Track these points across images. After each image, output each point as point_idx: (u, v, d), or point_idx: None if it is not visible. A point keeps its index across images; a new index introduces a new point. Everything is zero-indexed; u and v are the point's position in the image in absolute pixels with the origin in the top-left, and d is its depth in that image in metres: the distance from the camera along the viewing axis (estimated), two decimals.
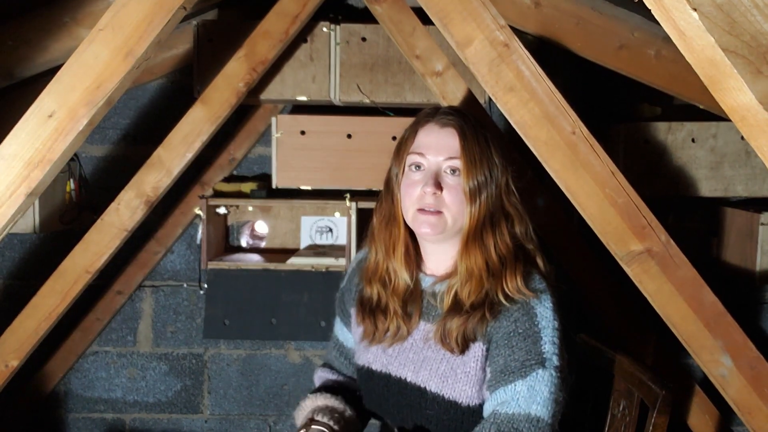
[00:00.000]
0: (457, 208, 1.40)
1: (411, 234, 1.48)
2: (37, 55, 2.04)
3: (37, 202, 2.29)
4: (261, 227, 2.76)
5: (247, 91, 2.17)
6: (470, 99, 2.15)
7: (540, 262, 1.45)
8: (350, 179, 2.44)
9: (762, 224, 2.34)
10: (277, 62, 2.33)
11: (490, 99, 1.95)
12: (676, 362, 2.36)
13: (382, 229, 1.49)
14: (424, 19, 1.89)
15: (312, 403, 1.52)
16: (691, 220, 2.69)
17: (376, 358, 1.49)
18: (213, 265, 2.52)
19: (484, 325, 1.37)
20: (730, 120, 0.84)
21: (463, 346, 1.38)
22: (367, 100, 2.42)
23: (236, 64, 2.14)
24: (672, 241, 1.55)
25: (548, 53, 2.32)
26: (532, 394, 1.31)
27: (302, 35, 2.36)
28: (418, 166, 1.43)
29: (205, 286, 2.71)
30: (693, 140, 2.38)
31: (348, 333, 1.63)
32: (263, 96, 2.43)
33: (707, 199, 2.47)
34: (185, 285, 2.82)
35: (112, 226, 2.07)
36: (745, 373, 1.59)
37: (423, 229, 1.41)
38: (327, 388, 1.59)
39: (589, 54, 2.28)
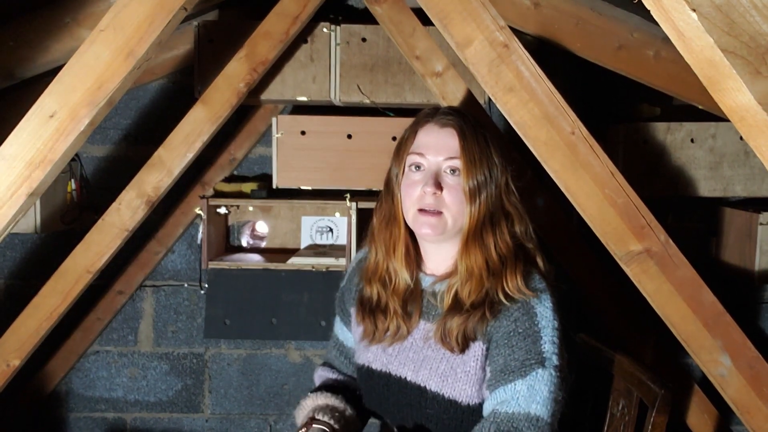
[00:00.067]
0: (457, 208, 1.40)
1: (411, 234, 1.48)
2: (38, 55, 2.04)
3: (38, 202, 2.29)
4: (261, 227, 2.76)
5: (247, 91, 2.18)
6: (470, 99, 2.16)
7: (540, 261, 1.46)
8: (350, 179, 2.44)
9: (761, 224, 2.34)
10: (277, 63, 2.33)
11: (489, 99, 1.96)
12: (675, 362, 2.36)
13: (382, 229, 1.50)
14: (424, 19, 1.90)
15: (312, 402, 1.53)
16: (690, 220, 2.69)
17: (376, 357, 1.50)
18: (214, 264, 2.52)
19: (484, 324, 1.37)
20: (729, 120, 0.85)
21: (463, 346, 1.38)
22: (367, 101, 2.43)
23: (237, 64, 2.14)
24: (671, 241, 1.55)
25: (548, 54, 2.32)
26: (532, 393, 1.31)
27: (302, 36, 2.36)
28: (418, 167, 1.43)
29: (206, 285, 2.71)
30: (692, 140, 2.38)
31: (348, 332, 1.63)
32: (264, 96, 2.43)
33: (706, 199, 2.47)
34: (186, 285, 2.82)
35: (113, 226, 2.07)
36: (744, 373, 1.60)
37: (423, 230, 1.42)
38: (327, 387, 1.60)
39: (589, 54, 2.28)
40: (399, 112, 2.45)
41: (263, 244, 2.77)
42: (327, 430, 1.43)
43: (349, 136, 2.42)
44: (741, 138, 2.34)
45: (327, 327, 2.52)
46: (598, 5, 2.23)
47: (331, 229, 2.69)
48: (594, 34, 2.24)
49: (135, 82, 1.74)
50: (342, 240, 2.65)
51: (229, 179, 2.72)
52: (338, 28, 2.41)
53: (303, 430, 1.44)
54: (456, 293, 1.41)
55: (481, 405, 1.39)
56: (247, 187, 2.58)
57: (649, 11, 0.81)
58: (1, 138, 1.41)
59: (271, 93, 2.43)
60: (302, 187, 2.48)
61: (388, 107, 2.46)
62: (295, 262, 2.49)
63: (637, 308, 2.10)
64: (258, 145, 2.77)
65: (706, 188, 2.40)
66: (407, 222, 1.45)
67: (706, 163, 2.39)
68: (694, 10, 0.72)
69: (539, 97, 1.49)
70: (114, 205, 2.09)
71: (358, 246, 2.36)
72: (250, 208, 2.74)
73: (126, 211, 2.08)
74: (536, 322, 1.35)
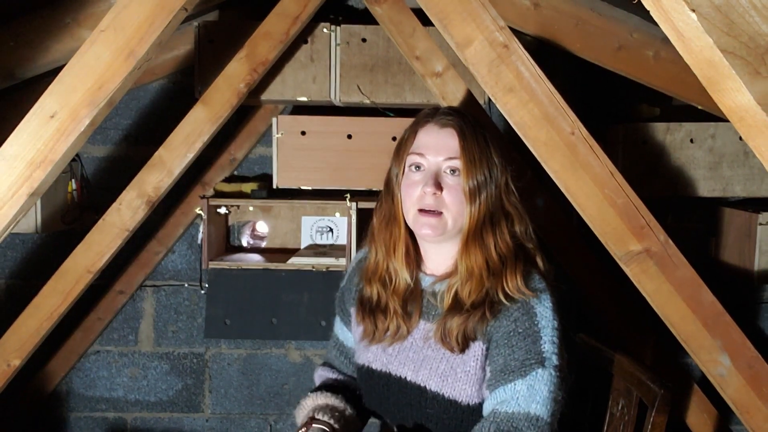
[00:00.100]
0: (457, 208, 1.40)
1: (411, 234, 1.48)
2: (38, 55, 2.05)
3: (38, 203, 2.29)
4: (262, 227, 2.77)
5: (247, 91, 2.18)
6: (470, 100, 2.16)
7: (539, 261, 1.46)
8: (350, 179, 2.44)
9: (760, 224, 2.34)
10: (277, 63, 2.33)
11: (489, 100, 1.96)
12: (675, 362, 2.37)
13: (382, 229, 1.50)
14: (424, 20, 1.90)
15: (312, 401, 1.53)
16: (690, 220, 2.70)
17: (376, 357, 1.50)
18: (214, 264, 2.53)
19: (484, 324, 1.37)
20: (728, 120, 0.85)
21: (463, 345, 1.38)
22: (368, 101, 2.43)
23: (237, 64, 2.14)
24: (671, 241, 1.55)
25: (548, 54, 2.32)
26: (532, 393, 1.31)
27: (303, 36, 2.37)
28: (418, 167, 1.44)
29: (206, 285, 2.71)
30: (691, 141, 2.39)
31: (348, 332, 1.63)
32: (264, 97, 2.43)
33: (706, 199, 2.48)
34: (186, 285, 2.82)
35: (113, 226, 2.07)
36: (744, 373, 1.60)
37: (423, 230, 1.42)
38: (327, 387, 1.60)
39: (588, 55, 2.28)
40: (399, 112, 2.45)
41: (263, 244, 2.77)
42: (327, 429, 1.43)
43: (349, 136, 2.42)
44: (740, 138, 2.34)
45: (327, 327, 2.52)
46: (598, 5, 2.23)
47: (331, 229, 2.69)
48: (594, 34, 2.24)
49: (135, 83, 1.75)
50: (342, 240, 2.65)
51: (230, 179, 2.72)
52: (338, 28, 2.41)
53: (303, 429, 1.44)
54: (456, 293, 1.41)
55: (481, 405, 1.39)
56: (248, 187, 2.58)
57: (648, 11, 0.81)
58: (2, 138, 1.42)
59: (271, 93, 2.44)
60: (302, 187, 2.48)
61: (388, 107, 2.47)
62: (295, 262, 2.49)
63: (637, 308, 2.10)
64: (258, 145, 2.77)
65: (706, 188, 2.41)
66: (407, 222, 1.46)
67: (705, 164, 2.39)
68: (693, 11, 0.73)
69: (539, 98, 1.49)
70: (114, 205, 2.09)
71: (358, 246, 2.36)
72: (251, 208, 2.75)
73: (126, 211, 2.08)
74: (536, 322, 1.35)
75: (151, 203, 2.10)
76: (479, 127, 1.45)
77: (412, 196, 1.42)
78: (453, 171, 1.41)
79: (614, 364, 1.69)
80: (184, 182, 2.52)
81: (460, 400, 1.39)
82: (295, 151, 2.43)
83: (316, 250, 2.60)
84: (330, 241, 2.68)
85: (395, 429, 1.51)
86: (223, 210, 2.65)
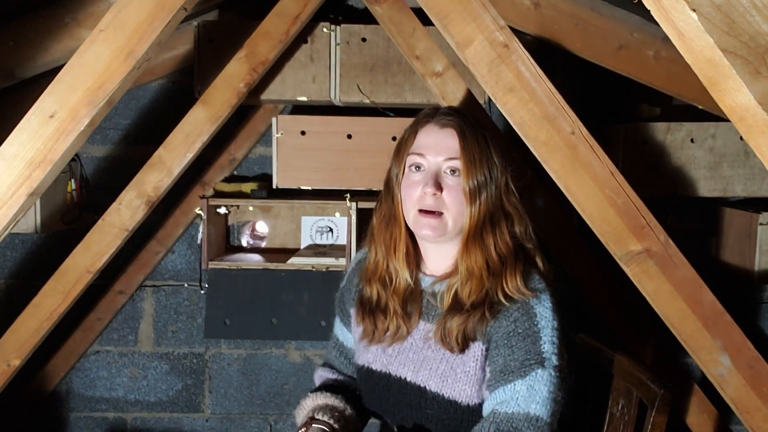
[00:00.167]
0: (457, 208, 1.40)
1: (411, 234, 1.48)
2: (38, 55, 2.05)
3: (38, 202, 2.29)
4: (261, 227, 2.77)
5: (247, 91, 2.18)
6: (470, 99, 2.16)
7: (539, 261, 1.46)
8: (350, 179, 2.44)
9: (761, 224, 2.34)
10: (277, 63, 2.33)
11: (489, 99, 1.96)
12: (675, 362, 2.37)
13: (382, 229, 1.50)
14: (424, 19, 1.90)
15: (312, 402, 1.53)
16: (690, 220, 2.69)
17: (376, 357, 1.50)
18: (214, 264, 2.53)
19: (484, 324, 1.37)
20: (729, 120, 0.85)
21: (463, 345, 1.38)
22: (367, 101, 2.43)
23: (237, 64, 2.14)
24: (671, 241, 1.55)
25: (548, 54, 2.32)
26: (532, 393, 1.31)
27: (302, 36, 2.36)
28: (418, 167, 1.44)
29: (206, 285, 2.71)
30: (692, 140, 2.39)
31: (348, 333, 1.63)
32: (264, 96, 2.43)
33: (706, 199, 2.47)
34: (186, 285, 2.82)
35: (113, 226, 2.07)
36: (744, 373, 1.60)
37: (424, 231, 1.42)
38: (327, 387, 1.60)
39: (589, 54, 2.28)
40: (399, 112, 2.45)
41: (263, 244, 2.77)
42: (327, 429, 1.43)
43: (349, 136, 2.42)
44: (741, 138, 2.34)
45: (327, 327, 2.52)
46: (598, 5, 2.23)
47: (331, 229, 2.69)
48: (594, 34, 2.24)
49: (135, 82, 1.75)
50: (342, 240, 2.65)
51: (229, 179, 2.72)
52: (338, 28, 2.41)
53: (303, 429, 1.44)
54: (456, 293, 1.41)
55: (480, 405, 1.39)
56: (247, 187, 2.58)
57: (649, 11, 0.81)
58: (2, 138, 1.41)
59: (271, 93, 2.43)
60: (302, 187, 2.48)
61: (388, 107, 2.47)
62: (295, 262, 2.49)
63: (637, 308, 2.10)
64: (258, 145, 2.77)
65: (706, 188, 2.41)
66: (407, 222, 1.45)
67: (705, 163, 2.39)
68: (694, 10, 0.73)
69: (539, 97, 1.49)
70: (114, 205, 2.09)
71: (358, 246, 2.36)
72: (250, 208, 2.75)
73: (126, 211, 2.08)
74: (536, 323, 1.35)
75: (151, 203, 2.10)
76: (479, 127, 1.45)
77: (413, 196, 1.42)
78: (453, 171, 1.41)
79: (614, 364, 1.69)
80: (183, 182, 2.52)
81: (459, 401, 1.39)
82: (295, 151, 2.43)
83: (316, 250, 2.60)
84: (330, 241, 2.68)
85: (395, 429, 1.51)
86: (222, 210, 2.65)
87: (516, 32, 1.53)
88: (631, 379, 1.61)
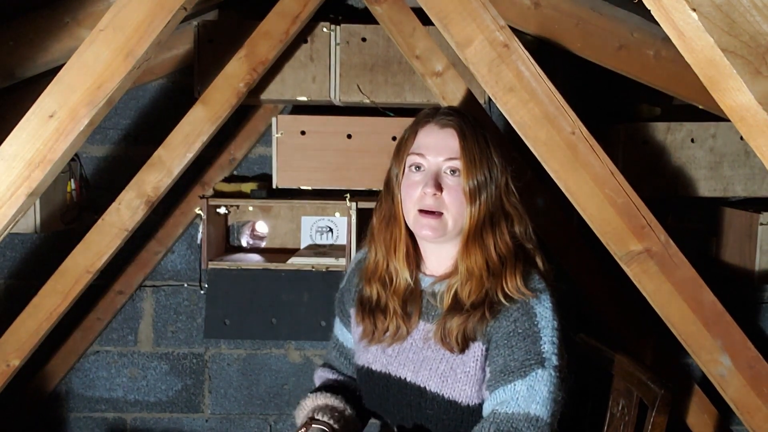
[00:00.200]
0: (457, 209, 1.40)
1: (411, 234, 1.48)
2: (38, 55, 2.05)
3: (38, 202, 2.29)
4: (261, 227, 2.77)
5: (247, 91, 2.18)
6: (470, 99, 2.16)
7: (539, 261, 1.46)
8: (350, 179, 2.44)
9: (761, 224, 2.34)
10: (277, 62, 2.33)
11: (489, 99, 1.96)
12: (675, 362, 2.36)
13: (382, 229, 1.50)
14: (424, 19, 1.90)
15: (312, 402, 1.53)
16: (691, 220, 2.69)
17: (376, 358, 1.50)
18: (213, 264, 2.52)
19: (484, 324, 1.37)
20: (729, 120, 0.85)
21: (463, 345, 1.38)
22: (367, 101, 2.43)
23: (237, 64, 2.14)
24: (671, 241, 1.55)
25: (548, 54, 2.32)
26: (532, 393, 1.31)
27: (302, 35, 2.36)
28: (418, 167, 1.43)
29: (206, 285, 2.71)
30: (692, 140, 2.38)
31: (347, 333, 1.63)
32: (263, 96, 2.43)
33: (706, 199, 2.47)
34: (186, 285, 2.82)
35: (112, 226, 2.07)
36: (744, 373, 1.60)
37: (424, 231, 1.42)
38: (327, 387, 1.60)
39: (589, 54, 2.28)
40: (399, 112, 2.45)
41: (263, 244, 2.77)
42: (326, 430, 1.43)
43: (349, 136, 2.42)
44: (741, 138, 2.34)
45: (327, 327, 2.52)
46: (598, 5, 2.23)
47: (331, 229, 2.69)
48: (594, 34, 2.24)
49: (135, 82, 1.75)
50: (342, 240, 2.65)
51: (229, 179, 2.72)
52: (338, 27, 2.41)
53: (303, 430, 1.44)
54: (456, 293, 1.41)
55: (480, 405, 1.39)
56: (247, 187, 2.58)
57: (649, 11, 0.81)
58: (1, 138, 1.41)
59: (271, 93, 2.43)
60: (302, 187, 2.48)
61: (388, 107, 2.46)
62: (295, 262, 2.49)
63: (637, 308, 2.10)
64: (258, 145, 2.77)
65: (706, 188, 2.40)
66: (408, 223, 1.45)
67: (706, 163, 2.39)
68: (694, 10, 0.73)
69: (539, 97, 1.49)
70: (114, 205, 2.09)
71: (358, 246, 2.36)
72: (250, 208, 2.74)
73: (126, 211, 2.08)
74: (536, 323, 1.35)
75: (151, 203, 2.10)
76: (479, 127, 1.45)
77: (413, 196, 1.42)
78: (453, 171, 1.41)
79: (614, 364, 1.69)
80: (183, 182, 2.52)
81: (459, 401, 1.39)
82: (295, 151, 2.42)
83: (315, 250, 2.60)
84: (330, 241, 2.68)
85: (395, 429, 1.51)
86: (222, 210, 2.65)
87: (516, 32, 1.53)
88: (631, 379, 1.61)
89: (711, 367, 1.61)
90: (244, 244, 2.75)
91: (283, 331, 2.68)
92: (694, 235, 2.67)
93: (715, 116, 2.34)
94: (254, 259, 2.60)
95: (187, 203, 2.71)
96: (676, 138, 2.39)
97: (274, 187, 2.46)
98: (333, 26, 2.41)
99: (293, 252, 2.58)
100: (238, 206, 2.71)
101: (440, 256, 1.47)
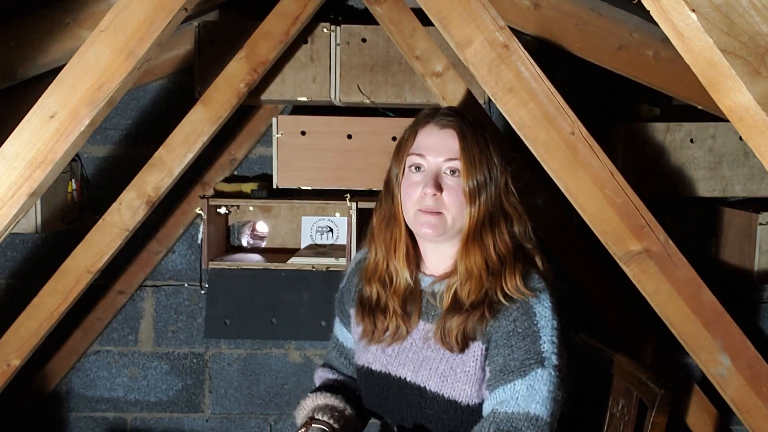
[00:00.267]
0: (457, 209, 1.40)
1: (411, 234, 1.48)
2: (38, 56, 2.05)
3: (38, 203, 2.30)
4: (262, 227, 2.77)
5: (247, 91, 2.18)
6: (470, 99, 2.16)
7: (539, 261, 1.46)
8: (350, 179, 2.44)
9: (760, 224, 2.34)
10: (277, 63, 2.33)
11: (489, 99, 1.96)
12: (675, 362, 2.37)
13: (382, 229, 1.50)
14: (424, 20, 1.90)
15: (312, 402, 1.53)
16: (690, 220, 2.69)
17: (376, 358, 1.50)
18: (214, 264, 2.53)
19: (484, 324, 1.37)
20: (728, 120, 0.85)
21: (463, 345, 1.38)
22: (368, 101, 2.43)
23: (237, 64, 2.14)
24: (671, 241, 1.55)
25: (548, 54, 2.32)
26: (531, 393, 1.31)
27: (303, 36, 2.37)
28: (418, 167, 1.44)
29: (206, 285, 2.71)
30: (691, 140, 2.39)
31: (347, 333, 1.63)
32: (264, 97, 2.43)
33: (706, 199, 2.48)
34: (186, 285, 2.82)
35: (113, 226, 2.08)
36: (744, 373, 1.60)
37: (424, 229, 1.42)
38: (327, 387, 1.60)
39: (589, 55, 2.29)
40: (399, 112, 2.45)
41: (263, 244, 2.77)
42: (326, 429, 1.43)
43: (349, 136, 2.42)
44: (740, 138, 2.34)
45: (327, 327, 2.52)
46: (598, 5, 2.23)
47: (331, 229, 2.69)
48: (594, 34, 2.24)
49: (135, 83, 1.75)
50: (342, 240, 2.66)
51: (230, 179, 2.72)
52: (338, 28, 2.42)
53: (303, 429, 1.44)
54: (455, 293, 1.41)
55: (480, 405, 1.39)
56: (248, 187, 2.58)
57: (649, 11, 0.81)
58: (2, 138, 1.42)
59: (271, 93, 2.44)
60: (302, 187, 2.49)
61: (388, 107, 2.47)
62: (295, 262, 2.49)
63: (637, 308, 2.10)
64: (258, 145, 2.77)
65: (706, 188, 2.41)
66: (407, 222, 1.46)
67: (705, 163, 2.39)
68: (693, 11, 0.73)
69: (539, 98, 1.49)
70: (114, 205, 2.09)
71: (358, 246, 2.36)
72: (251, 208, 2.75)
73: (126, 211, 2.08)
74: (535, 322, 1.35)
75: (151, 203, 2.10)
76: (479, 127, 1.45)
77: (412, 196, 1.43)
78: (453, 172, 1.41)
79: (614, 364, 1.69)
80: (184, 182, 2.52)
81: (459, 401, 1.39)
82: (295, 151, 2.43)
83: (316, 250, 2.60)
84: (330, 241, 2.68)
85: (395, 429, 1.51)
86: (223, 210, 2.65)
87: (516, 32, 1.53)
88: (631, 379, 1.61)
89: (710, 367, 1.61)
90: (244, 244, 2.75)
91: (283, 331, 2.68)
92: (693, 235, 2.68)
93: (715, 116, 2.35)
94: (254, 259, 2.60)
95: (187, 203, 2.72)
96: (675, 138, 2.39)
97: (274, 187, 2.46)
98: (333, 27, 2.42)
99: (293, 252, 2.58)
100: (238, 206, 2.71)
101: (440, 255, 1.47)
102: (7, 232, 1.47)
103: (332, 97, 2.44)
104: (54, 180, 1.50)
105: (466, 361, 1.39)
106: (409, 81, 2.42)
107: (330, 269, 2.49)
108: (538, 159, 1.54)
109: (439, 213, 1.40)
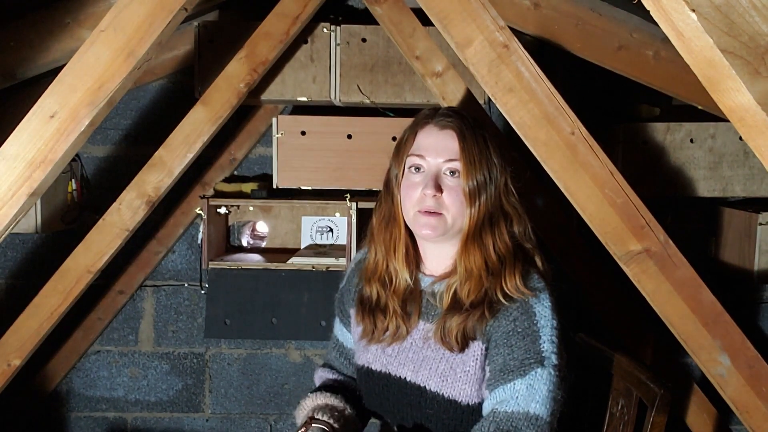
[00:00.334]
0: (457, 209, 1.40)
1: (411, 234, 1.48)
2: (38, 56, 2.05)
3: (39, 203, 2.30)
4: (262, 227, 2.77)
5: (247, 91, 2.18)
6: (470, 99, 2.16)
7: (538, 261, 1.46)
8: (350, 179, 2.44)
9: (760, 224, 2.35)
10: (277, 63, 2.34)
11: (489, 99, 1.96)
12: (675, 361, 2.37)
13: (381, 229, 1.50)
14: (424, 20, 1.90)
15: (312, 401, 1.53)
16: (690, 220, 2.69)
17: (376, 358, 1.50)
18: (214, 264, 2.53)
19: (483, 323, 1.37)
20: (728, 120, 0.85)
21: (463, 344, 1.38)
22: (368, 101, 2.43)
23: (237, 64, 2.14)
24: (670, 241, 1.55)
25: (548, 54, 2.33)
26: (531, 392, 1.31)
27: (303, 36, 2.37)
28: (417, 168, 1.44)
29: (206, 285, 2.71)
30: (691, 140, 2.39)
31: (347, 333, 1.63)
32: (264, 97, 2.44)
33: (706, 199, 2.48)
34: (186, 285, 2.83)
35: (113, 226, 2.08)
36: (743, 373, 1.60)
37: (424, 230, 1.42)
38: (327, 387, 1.60)
39: (589, 55, 2.29)
40: (399, 112, 2.45)
41: (263, 244, 2.77)
42: (326, 429, 1.43)
43: (349, 136, 2.42)
44: (740, 138, 2.34)
45: (327, 327, 2.52)
46: (597, 5, 2.23)
47: (331, 229, 2.69)
48: (594, 34, 2.24)
49: (135, 83, 1.75)
50: (342, 240, 2.66)
51: (230, 179, 2.72)
52: (338, 28, 2.42)
53: (303, 429, 1.44)
54: (455, 293, 1.41)
55: (480, 404, 1.39)
56: (248, 187, 2.58)
57: (648, 11, 0.81)
58: (2, 138, 1.42)
59: (271, 93, 2.44)
60: (302, 187, 2.49)
61: (388, 107, 2.47)
62: (295, 262, 2.49)
63: (637, 308, 2.10)
64: (258, 145, 2.77)
65: (706, 188, 2.41)
66: (407, 223, 1.46)
67: (705, 163, 2.39)
68: (693, 11, 0.73)
69: (539, 98, 1.49)
70: (114, 205, 2.09)
71: (358, 246, 2.36)
72: (251, 208, 2.75)
73: (126, 211, 2.08)
74: (535, 322, 1.35)
75: (151, 203, 2.10)
76: (479, 128, 1.45)
77: (412, 197, 1.43)
78: (453, 173, 1.41)
79: (614, 364, 1.69)
80: (184, 182, 2.52)
81: (459, 400, 1.39)
82: (295, 151, 2.43)
83: (316, 250, 2.60)
84: (330, 241, 2.68)
85: (395, 429, 1.51)
86: (223, 210, 2.66)
87: (516, 32, 1.53)
88: (631, 378, 1.61)
89: (710, 367, 1.61)
90: (244, 244, 2.75)
91: (283, 331, 2.68)
92: (693, 235, 2.68)
93: (715, 116, 2.35)
94: (254, 259, 2.60)
95: (187, 203, 2.72)
96: (675, 138, 2.39)
97: (274, 187, 2.46)
98: (333, 27, 2.42)
99: (293, 252, 2.58)
100: (238, 206, 2.71)
101: (439, 256, 1.47)
102: (7, 232, 1.48)
103: (332, 97, 2.44)
104: (54, 180, 1.50)
105: (465, 360, 1.39)
106: (409, 81, 2.42)
107: (330, 269, 2.49)
108: (538, 159, 1.54)
109: (439, 214, 1.40)
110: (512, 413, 1.31)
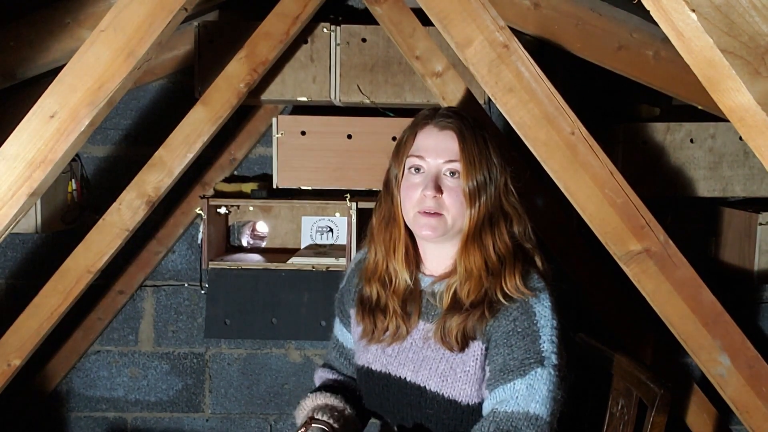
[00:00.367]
0: (457, 210, 1.40)
1: (411, 234, 1.48)
2: (38, 56, 2.05)
3: (39, 202, 2.30)
4: (262, 227, 2.77)
5: (247, 91, 2.18)
6: (470, 99, 2.16)
7: (538, 261, 1.46)
8: (350, 179, 2.44)
9: (760, 224, 2.35)
10: (277, 63, 2.34)
11: (489, 99, 1.96)
12: (675, 361, 2.37)
13: (381, 229, 1.50)
14: (424, 20, 1.90)
15: (312, 402, 1.53)
16: (690, 220, 2.69)
17: (376, 358, 1.50)
18: (214, 264, 2.53)
19: (483, 323, 1.37)
20: (728, 120, 0.85)
21: (463, 344, 1.38)
22: (368, 101, 2.43)
23: (237, 64, 2.14)
24: (670, 241, 1.55)
25: (548, 54, 2.33)
26: (531, 392, 1.31)
27: (303, 36, 2.37)
28: (417, 169, 1.44)
29: (206, 285, 2.71)
30: (691, 140, 2.39)
31: (347, 333, 1.63)
32: (264, 97, 2.44)
33: (706, 199, 2.48)
34: (186, 285, 2.83)
35: (113, 226, 2.08)
36: (743, 373, 1.60)
37: (424, 231, 1.42)
38: (327, 387, 1.60)
39: (589, 55, 2.29)
40: (399, 112, 2.45)
41: (263, 244, 2.77)
42: (326, 429, 1.43)
43: (349, 136, 2.42)
44: (740, 138, 2.34)
45: (327, 327, 2.52)
46: (598, 5, 2.23)
47: (331, 229, 2.69)
48: (594, 34, 2.24)
49: (135, 83, 1.75)
50: (342, 240, 2.66)
51: (230, 179, 2.72)
52: (338, 28, 2.42)
53: (303, 429, 1.44)
54: (455, 292, 1.41)
55: (480, 404, 1.39)
56: (248, 187, 2.58)
57: (648, 11, 0.81)
58: (2, 138, 1.42)
59: (271, 93, 2.44)
60: (302, 187, 2.49)
61: (388, 107, 2.47)
62: (295, 262, 2.49)
63: (637, 308, 2.10)
64: (258, 145, 2.77)
65: (706, 188, 2.41)
66: (407, 223, 1.46)
67: (705, 163, 2.39)
68: (693, 11, 0.73)
69: (539, 98, 1.49)
70: (114, 205, 2.09)
71: (358, 246, 2.36)
72: (251, 208, 2.75)
73: (126, 211, 2.08)
74: (535, 322, 1.35)
75: (151, 203, 2.10)
76: (479, 128, 1.45)
77: (412, 198, 1.43)
78: (453, 173, 1.41)
79: (614, 364, 1.69)
80: (184, 182, 2.52)
81: (459, 400, 1.39)
82: (295, 151, 2.43)
83: (316, 250, 2.60)
84: (330, 241, 2.68)
85: (395, 429, 1.51)
86: (223, 210, 2.66)
87: (516, 32, 1.53)
88: (631, 378, 1.61)
89: (710, 367, 1.61)
90: (244, 244, 2.75)
91: (283, 331, 2.68)
92: (693, 235, 2.68)
93: (715, 116, 2.35)
94: (254, 259, 2.60)
95: (187, 203, 2.72)
96: (675, 138, 2.39)
97: (274, 187, 2.46)
98: (333, 27, 2.42)
99: (293, 252, 2.58)
100: (238, 206, 2.71)
101: (439, 256, 1.47)
102: (7, 232, 1.48)
103: (332, 97, 2.44)
104: (54, 180, 1.50)
105: (465, 360, 1.39)
106: (409, 81, 2.42)
107: (330, 269, 2.49)
108: (538, 159, 1.54)
109: (439, 214, 1.40)
110: (512, 413, 1.31)
